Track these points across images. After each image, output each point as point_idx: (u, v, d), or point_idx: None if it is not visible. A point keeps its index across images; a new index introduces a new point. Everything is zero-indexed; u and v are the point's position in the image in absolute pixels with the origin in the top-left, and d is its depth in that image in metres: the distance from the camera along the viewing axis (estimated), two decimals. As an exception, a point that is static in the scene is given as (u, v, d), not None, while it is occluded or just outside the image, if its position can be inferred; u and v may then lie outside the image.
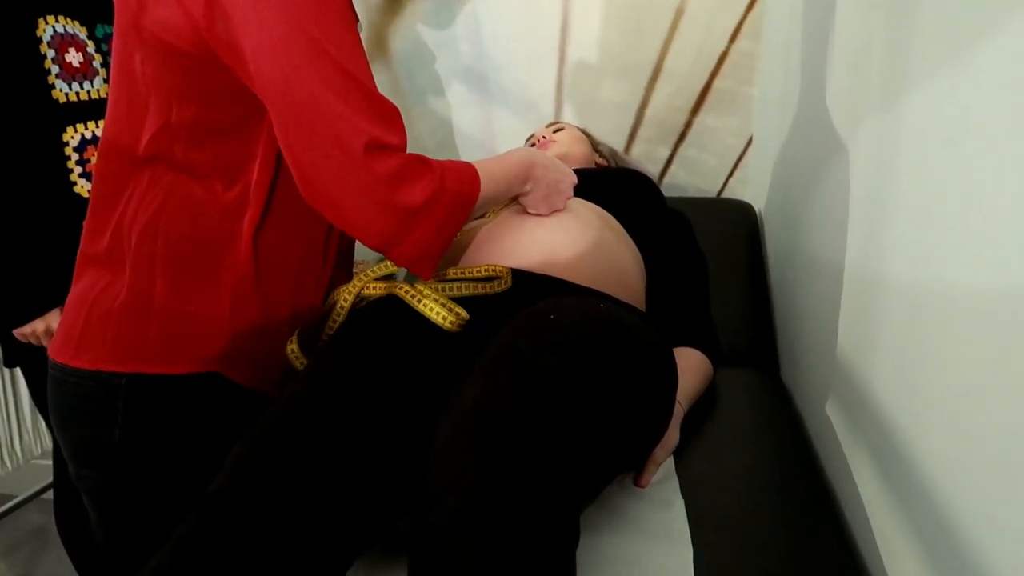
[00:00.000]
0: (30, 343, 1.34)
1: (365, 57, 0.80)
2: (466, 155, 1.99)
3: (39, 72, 1.28)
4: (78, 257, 0.89)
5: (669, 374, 0.93)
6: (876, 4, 0.93)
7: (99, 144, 0.86)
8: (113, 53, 0.84)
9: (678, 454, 1.00)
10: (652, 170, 1.92)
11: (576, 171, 1.37)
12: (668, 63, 1.84)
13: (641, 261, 1.20)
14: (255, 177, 0.84)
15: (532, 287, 1.00)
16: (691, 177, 1.92)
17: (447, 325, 0.88)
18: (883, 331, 0.86)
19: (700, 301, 1.26)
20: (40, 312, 1.30)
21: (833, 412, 1.04)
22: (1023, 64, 0.57)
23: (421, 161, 0.81)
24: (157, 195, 0.82)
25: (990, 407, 0.60)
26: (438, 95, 1.96)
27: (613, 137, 1.88)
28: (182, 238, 0.82)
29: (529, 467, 0.66)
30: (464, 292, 0.94)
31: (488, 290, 0.95)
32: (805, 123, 1.35)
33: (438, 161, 0.84)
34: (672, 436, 1.00)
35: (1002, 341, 0.58)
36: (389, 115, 0.79)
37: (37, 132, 1.28)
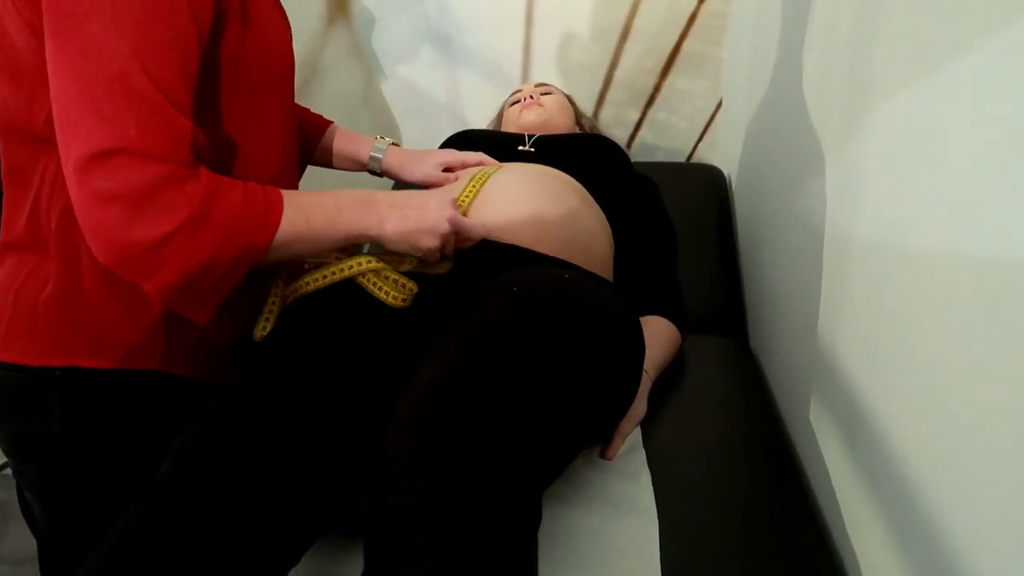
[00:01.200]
0: None
1: (174, 42, 0.67)
2: (433, 120, 1.94)
3: None
4: None
5: (636, 345, 0.92)
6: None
7: None
8: None
9: (645, 424, 0.99)
10: (621, 134, 1.90)
11: (544, 137, 1.35)
12: (637, 24, 1.80)
13: (609, 228, 1.18)
14: None
15: (496, 255, 0.97)
16: (660, 141, 1.89)
17: (398, 303, 0.85)
18: (851, 299, 0.85)
19: (668, 268, 1.25)
20: None
21: (800, 380, 1.04)
22: (1000, 15, 0.55)
23: (177, 180, 0.66)
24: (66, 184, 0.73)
25: (955, 377, 0.59)
26: (401, 57, 1.91)
27: (582, 101, 1.84)
28: None
29: (490, 445, 0.64)
30: (409, 268, 0.89)
31: (429, 270, 0.88)
32: (775, 85, 1.33)
33: (220, 179, 0.70)
34: (639, 407, 0.99)
35: (969, 311, 0.57)
36: (152, 123, 0.65)
37: None
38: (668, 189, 1.60)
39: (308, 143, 1.13)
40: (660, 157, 1.90)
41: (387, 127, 1.97)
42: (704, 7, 1.77)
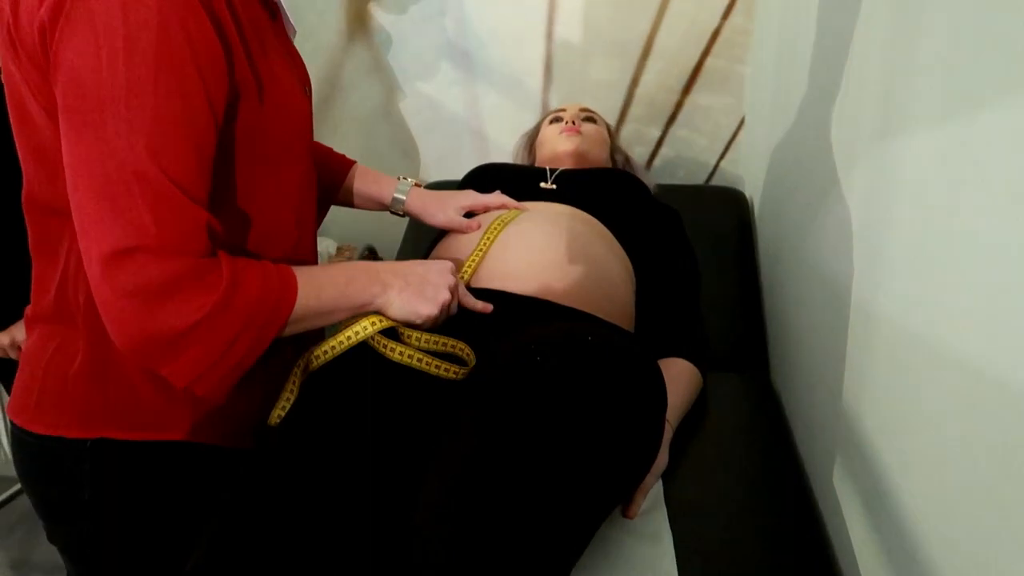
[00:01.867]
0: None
1: (190, 133, 0.67)
2: (453, 136, 1.94)
3: None
4: (27, 311, 0.84)
5: (659, 404, 0.92)
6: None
7: (22, 196, 0.79)
8: (7, 92, 0.75)
9: (666, 476, 0.99)
10: (642, 151, 1.88)
11: (567, 172, 1.34)
12: (659, 40, 1.78)
13: (631, 270, 1.18)
14: None
15: (517, 308, 0.98)
16: (682, 158, 1.88)
17: (415, 364, 0.86)
18: (878, 342, 0.83)
19: (690, 307, 1.24)
20: (3, 327, 1.28)
21: (821, 430, 1.03)
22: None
23: (197, 273, 0.67)
24: None
25: (976, 438, 0.59)
26: (421, 72, 1.90)
27: (603, 117, 1.83)
28: None
29: (524, 535, 0.66)
30: (434, 348, 0.89)
31: (448, 374, 0.87)
32: (800, 105, 1.30)
33: (238, 266, 0.71)
34: (661, 459, 0.99)
35: (996, 367, 0.56)
36: (169, 219, 0.66)
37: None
38: (688, 212, 1.59)
39: (331, 184, 1.13)
40: (681, 174, 1.89)
41: (407, 143, 1.97)
42: (727, 23, 1.74)
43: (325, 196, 1.12)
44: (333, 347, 0.84)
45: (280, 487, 0.73)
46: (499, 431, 0.73)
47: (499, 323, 0.95)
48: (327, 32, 1.87)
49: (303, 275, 0.77)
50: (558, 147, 1.47)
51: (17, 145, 0.77)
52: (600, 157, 1.50)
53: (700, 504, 0.95)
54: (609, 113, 1.85)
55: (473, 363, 0.86)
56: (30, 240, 0.81)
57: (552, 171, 1.34)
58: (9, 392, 1.47)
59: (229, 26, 0.70)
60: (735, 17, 1.73)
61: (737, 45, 1.76)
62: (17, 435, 0.82)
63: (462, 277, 1.00)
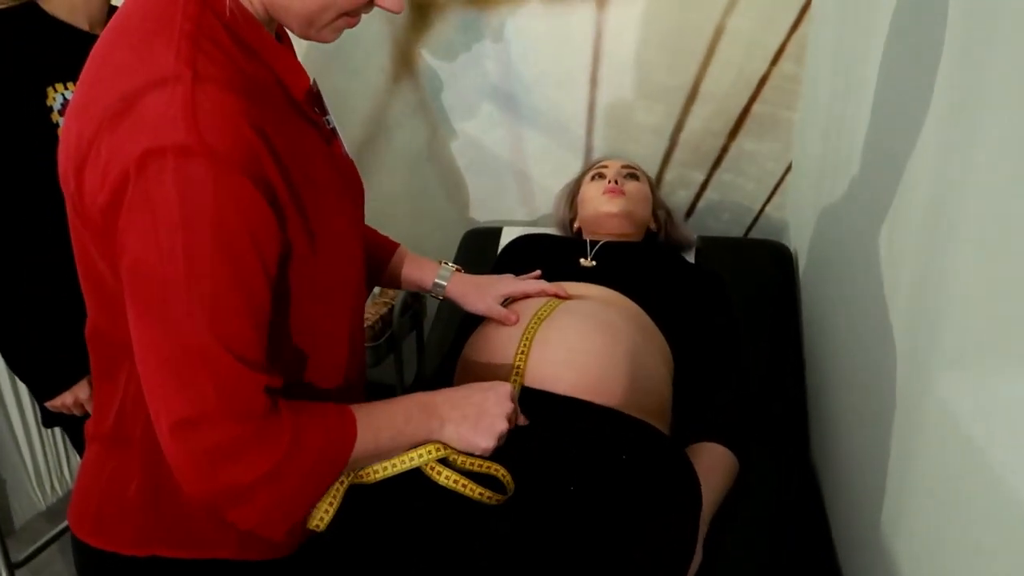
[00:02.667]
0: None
1: (248, 305, 0.70)
2: (496, 175, 1.95)
3: (52, 142, 1.27)
4: (87, 426, 0.89)
5: (694, 510, 0.94)
6: (941, 20, 0.82)
7: (85, 326, 0.84)
8: (72, 239, 0.80)
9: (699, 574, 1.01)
10: (685, 195, 1.87)
11: (608, 247, 1.35)
12: (705, 85, 1.76)
13: (669, 355, 1.19)
14: None
15: (555, 411, 1.00)
16: (726, 201, 1.86)
17: (466, 491, 0.88)
18: (922, 445, 0.79)
19: (732, 386, 1.24)
20: (66, 386, 1.34)
21: (860, 533, 1.04)
22: None
23: (259, 435, 0.71)
24: None
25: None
26: (466, 114, 1.91)
27: (647, 161, 1.83)
28: None
29: None
30: (475, 470, 0.89)
31: (490, 501, 0.87)
32: (850, 156, 1.26)
33: (301, 423, 0.74)
34: (696, 560, 1.01)
35: None
36: (231, 390, 0.69)
37: (57, 204, 1.28)
38: (730, 266, 1.59)
39: (376, 267, 1.16)
40: (726, 218, 1.87)
41: (452, 183, 1.99)
42: (776, 69, 1.71)
43: (369, 280, 1.15)
44: (386, 468, 0.86)
45: None
46: (539, 560, 0.76)
47: (537, 424, 0.97)
48: (374, 72, 1.89)
49: (363, 418, 0.80)
50: (600, 208, 1.47)
51: (81, 281, 0.81)
52: (643, 216, 1.50)
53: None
54: (653, 157, 1.84)
55: (511, 488, 0.88)
56: (92, 366, 0.86)
57: (592, 244, 1.35)
58: (74, 445, 1.55)
59: (280, 189, 0.72)
60: (784, 63, 1.70)
61: (786, 91, 1.73)
62: (76, 543, 0.87)
63: (513, 383, 1.01)
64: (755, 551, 1.06)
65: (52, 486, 2.07)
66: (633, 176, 1.54)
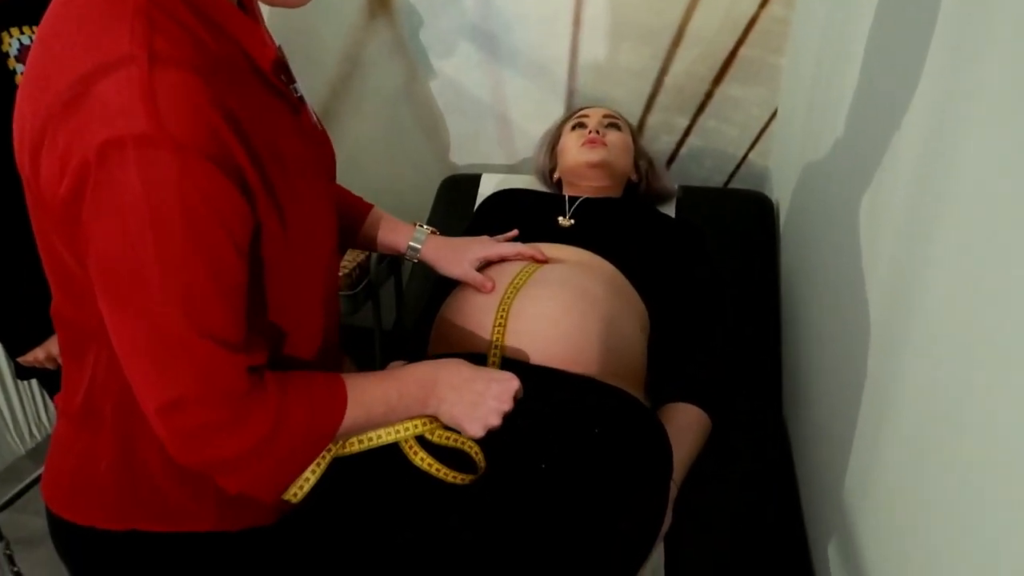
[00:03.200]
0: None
1: (222, 288, 0.69)
2: (475, 117, 1.90)
3: (8, 88, 1.21)
4: (57, 401, 0.88)
5: (664, 474, 0.95)
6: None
7: (51, 308, 0.82)
8: (32, 223, 0.77)
9: (669, 536, 1.03)
10: (668, 140, 1.83)
11: (587, 204, 1.32)
12: (691, 28, 1.70)
13: (646, 316, 1.18)
14: None
15: (531, 381, 1.00)
16: (709, 147, 1.83)
17: (439, 474, 0.88)
18: (898, 401, 0.79)
19: (710, 346, 1.24)
20: (37, 342, 1.32)
21: (828, 482, 1.05)
22: None
23: (245, 407, 0.72)
24: (122, 370, 0.74)
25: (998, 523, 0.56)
26: (444, 54, 1.85)
27: (630, 105, 1.79)
28: None
29: None
30: (449, 444, 0.91)
31: (459, 481, 0.88)
32: (838, 103, 1.22)
33: (286, 400, 0.74)
34: (666, 520, 1.03)
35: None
36: (210, 374, 0.70)
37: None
38: (708, 217, 1.57)
39: (349, 230, 1.14)
40: (708, 164, 1.84)
41: (429, 124, 1.94)
42: (765, 12, 1.66)
43: (342, 243, 1.13)
44: (371, 439, 0.86)
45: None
46: (508, 538, 0.77)
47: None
48: (349, 8, 1.81)
49: (354, 391, 0.80)
50: (581, 159, 1.44)
51: (44, 265, 0.78)
52: (625, 167, 1.47)
53: (700, 571, 0.99)
54: (637, 101, 1.80)
55: (482, 468, 0.88)
56: (59, 343, 0.84)
57: (571, 201, 1.32)
58: (50, 396, 1.54)
59: (248, 170, 0.69)
60: (774, 6, 1.65)
61: (775, 35, 1.67)
62: (51, 518, 0.87)
63: (493, 364, 1.01)
64: (725, 511, 1.09)
65: (31, 432, 2.07)
66: (615, 125, 1.50)
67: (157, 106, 0.62)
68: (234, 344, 0.71)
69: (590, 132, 1.46)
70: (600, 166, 1.42)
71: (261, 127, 0.73)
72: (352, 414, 0.79)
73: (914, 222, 0.80)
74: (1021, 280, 0.56)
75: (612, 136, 1.47)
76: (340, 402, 0.79)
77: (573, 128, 1.51)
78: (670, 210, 1.61)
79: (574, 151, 1.46)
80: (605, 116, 1.51)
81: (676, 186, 1.65)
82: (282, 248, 0.77)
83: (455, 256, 1.14)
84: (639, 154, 1.54)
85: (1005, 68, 0.62)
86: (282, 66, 0.79)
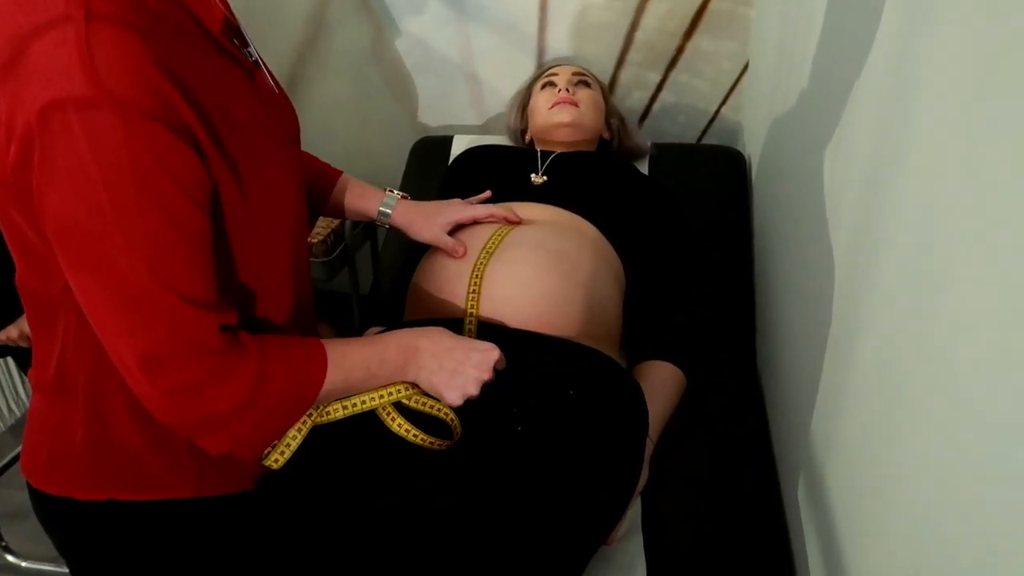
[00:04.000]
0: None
1: (186, 245, 0.69)
2: (445, 77, 1.87)
3: None
4: (30, 375, 0.88)
5: (640, 433, 0.97)
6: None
7: (15, 279, 0.81)
8: None
9: (646, 492, 1.05)
10: (641, 96, 1.82)
11: (560, 159, 1.32)
12: (661, -19, 1.68)
13: (621, 274, 1.19)
14: None
15: (506, 343, 1.01)
16: (682, 103, 1.82)
17: (416, 441, 0.90)
18: (862, 356, 0.80)
19: (685, 305, 1.25)
20: (8, 321, 1.32)
21: (797, 437, 1.08)
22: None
23: (225, 365, 0.73)
24: (92, 337, 0.74)
25: (974, 439, 0.56)
26: (411, 12, 1.81)
27: (601, 61, 1.77)
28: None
29: None
30: (425, 410, 0.92)
31: (436, 447, 0.90)
32: (806, 52, 1.21)
33: (267, 361, 0.76)
34: (642, 477, 1.05)
35: (997, 364, 0.53)
36: (181, 330, 0.70)
37: None
38: (682, 174, 1.57)
39: (318, 197, 1.13)
40: (681, 120, 1.84)
41: (398, 85, 1.91)
42: (735, -37, 1.64)
43: (312, 210, 1.12)
44: (350, 405, 0.87)
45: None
46: (485, 500, 0.80)
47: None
48: (311, -33, 1.76)
49: (334, 355, 0.81)
50: (552, 119, 1.43)
51: (4, 235, 0.77)
52: (596, 125, 1.46)
53: (675, 527, 1.02)
54: (608, 57, 1.78)
55: (458, 433, 0.90)
56: (27, 316, 0.84)
57: (544, 156, 1.32)
58: (23, 371, 1.53)
59: (198, 130, 0.69)
60: (743, -44, 1.62)
61: (744, -14, 1.66)
62: (32, 490, 0.88)
63: (469, 332, 1.02)
64: (701, 467, 1.11)
65: (9, 408, 2.06)
66: (585, 83, 1.49)
67: (95, 66, 0.62)
68: (203, 301, 0.71)
69: (560, 91, 1.44)
70: (571, 126, 1.41)
71: (209, 88, 0.72)
72: (332, 377, 0.80)
73: (877, 172, 0.80)
74: (978, 227, 0.57)
75: (582, 94, 1.46)
76: (320, 363, 0.80)
77: (543, 87, 1.50)
78: (643, 167, 1.61)
79: (544, 111, 1.45)
80: (575, 74, 1.49)
81: (649, 144, 1.64)
82: (241, 211, 0.77)
83: (426, 221, 1.14)
84: (610, 112, 1.53)
85: (962, 19, 0.62)
86: (233, 29, 0.78)
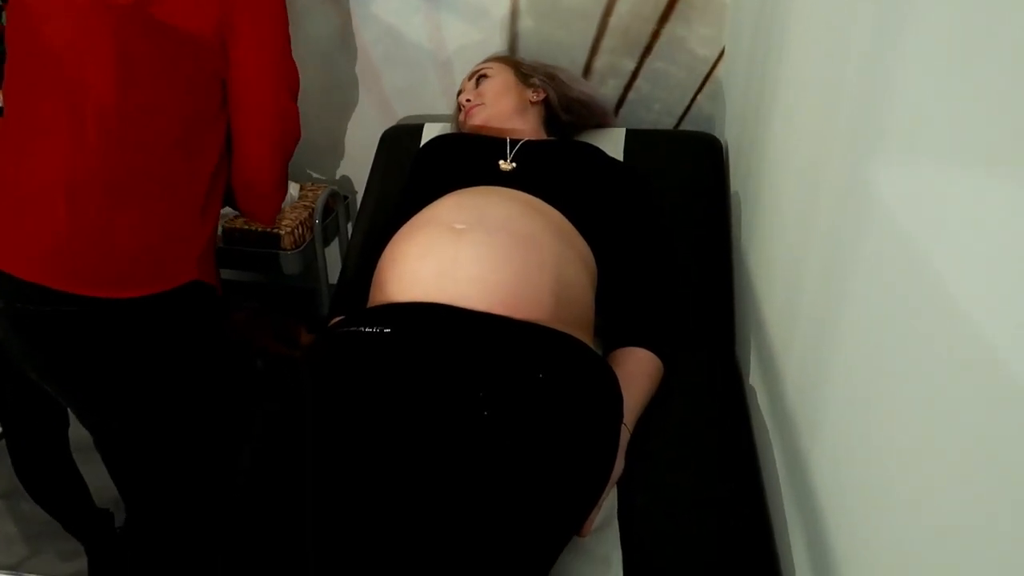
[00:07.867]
0: None
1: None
2: (416, 67, 1.83)
3: None
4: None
5: (614, 419, 0.94)
6: None
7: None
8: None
9: (621, 481, 1.01)
10: (615, 83, 1.79)
11: (528, 147, 1.28)
12: (635, -35, 1.64)
13: (592, 261, 1.15)
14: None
15: (475, 328, 0.96)
16: (657, 92, 1.79)
17: None
18: (850, 318, 0.77)
19: (659, 289, 1.22)
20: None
21: (780, 426, 1.05)
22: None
23: None
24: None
25: (946, 421, 0.56)
26: (381, -1, 1.76)
27: (575, 49, 1.73)
28: None
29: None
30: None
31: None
32: (780, 37, 1.20)
33: None
34: (617, 467, 1.01)
35: (982, 350, 0.52)
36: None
37: None
38: (657, 161, 1.54)
39: None
40: (656, 108, 1.80)
41: (368, 75, 1.86)
42: (709, -53, 1.61)
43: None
44: None
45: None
46: (448, 484, 0.77)
47: (457, 341, 0.94)
48: (275, -48, 1.71)
49: None
50: (471, 126, 1.44)
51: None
52: (512, 104, 1.45)
53: (652, 517, 0.98)
54: (582, 44, 1.74)
55: None
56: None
57: (512, 144, 1.28)
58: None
59: None
60: (717, -60, 1.60)
61: (719, -29, 1.63)
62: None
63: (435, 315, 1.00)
64: (680, 455, 1.07)
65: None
66: (484, 76, 1.48)
67: None
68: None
69: (465, 101, 1.46)
70: (488, 125, 1.42)
71: None
72: None
73: (856, 162, 0.78)
74: (960, 211, 0.55)
75: (483, 87, 1.46)
76: None
77: (459, 109, 1.52)
78: (618, 153, 1.57)
79: (467, 124, 1.47)
80: (474, 75, 1.50)
81: (606, 101, 1.62)
82: None
83: None
84: (528, 74, 1.50)
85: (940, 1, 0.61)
86: None
